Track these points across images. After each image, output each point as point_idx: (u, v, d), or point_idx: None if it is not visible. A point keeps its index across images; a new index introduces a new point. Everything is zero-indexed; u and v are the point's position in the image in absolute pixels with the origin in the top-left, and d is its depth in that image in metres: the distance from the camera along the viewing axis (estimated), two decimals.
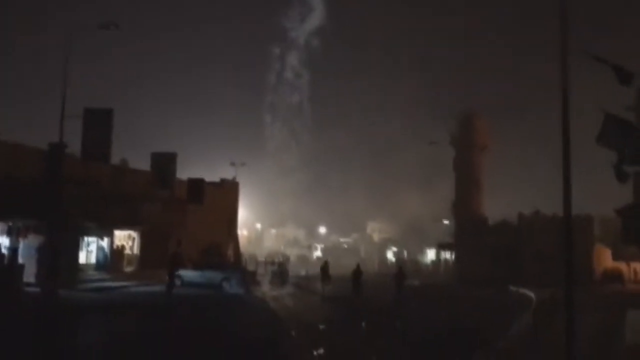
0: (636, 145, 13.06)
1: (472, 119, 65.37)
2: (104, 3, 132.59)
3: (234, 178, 56.03)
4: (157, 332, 18.93)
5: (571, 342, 13.95)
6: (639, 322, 16.42)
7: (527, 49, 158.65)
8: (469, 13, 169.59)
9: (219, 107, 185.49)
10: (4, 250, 30.89)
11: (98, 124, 33.44)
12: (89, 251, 38.77)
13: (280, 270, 45.62)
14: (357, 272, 33.69)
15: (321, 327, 21.34)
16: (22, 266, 29.97)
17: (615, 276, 55.19)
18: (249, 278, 37.88)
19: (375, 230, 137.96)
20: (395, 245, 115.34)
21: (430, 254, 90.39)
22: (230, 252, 51.75)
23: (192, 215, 44.82)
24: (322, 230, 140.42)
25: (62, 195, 32.51)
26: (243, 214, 76.60)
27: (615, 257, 59.97)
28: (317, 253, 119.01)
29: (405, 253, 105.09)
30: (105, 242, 39.82)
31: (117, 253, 40.83)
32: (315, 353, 15.68)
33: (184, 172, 45.00)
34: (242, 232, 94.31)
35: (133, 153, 69.81)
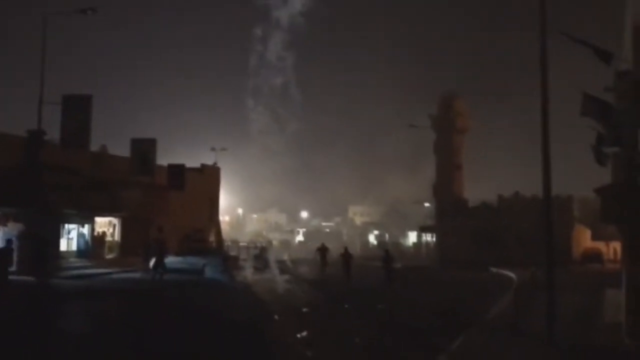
0: (614, 126, 13.18)
1: (452, 102, 65.53)
2: None
3: (215, 163, 55.90)
4: (147, 317, 18.95)
5: (552, 321, 14.16)
6: (617, 301, 16.63)
7: (510, 32, 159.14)
8: None
9: (200, 92, 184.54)
10: None
11: (77, 110, 33.22)
12: (70, 238, 38.55)
13: (261, 254, 45.65)
14: (347, 255, 33.67)
15: (304, 310, 21.40)
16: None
17: (594, 256, 55.81)
18: (231, 263, 37.91)
19: (357, 213, 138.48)
20: (377, 229, 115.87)
21: (412, 237, 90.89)
22: (212, 238, 51.70)
23: (173, 201, 44.69)
24: (304, 214, 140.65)
25: (42, 182, 32.31)
26: (225, 199, 76.50)
27: (595, 237, 60.68)
28: (299, 237, 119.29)
29: (387, 236, 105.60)
30: (86, 229, 39.62)
31: (98, 240, 40.64)
32: (298, 336, 15.74)
33: (165, 158, 44.88)
34: (224, 217, 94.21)
35: (113, 139, 69.40)
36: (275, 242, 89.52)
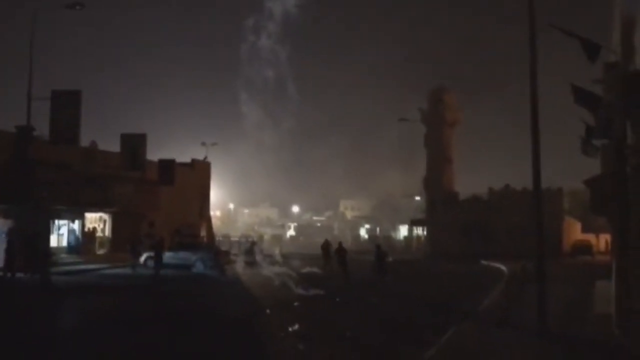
0: (603, 118, 13.23)
1: (441, 96, 65.55)
2: None
3: (205, 158, 55.80)
4: (139, 313, 18.94)
5: (543, 313, 14.23)
6: (607, 292, 16.72)
7: (501, 25, 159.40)
8: None
9: (191, 86, 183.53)
10: None
11: (66, 106, 33.09)
12: (60, 234, 38.48)
13: (251, 249, 45.61)
14: (341, 250, 33.49)
15: (295, 304, 21.42)
16: None
17: (584, 248, 56.05)
18: (222, 258, 37.86)
19: (348, 208, 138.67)
20: (368, 223, 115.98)
21: (403, 230, 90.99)
22: (203, 233, 51.66)
23: (163, 197, 44.62)
24: (296, 209, 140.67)
25: (32, 178, 32.20)
26: (216, 194, 76.42)
27: (585, 229, 60.95)
28: (291, 232, 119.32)
29: (378, 230, 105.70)
30: (76, 225, 39.55)
31: (88, 236, 40.58)
32: (290, 329, 15.76)
33: (155, 153, 44.80)
34: (215, 212, 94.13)
35: (103, 135, 69.12)
36: (266, 237, 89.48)
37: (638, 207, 10.25)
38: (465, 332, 15.31)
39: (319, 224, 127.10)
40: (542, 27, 14.67)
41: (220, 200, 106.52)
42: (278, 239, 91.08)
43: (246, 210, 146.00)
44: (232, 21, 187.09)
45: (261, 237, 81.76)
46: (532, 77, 14.48)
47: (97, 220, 42.01)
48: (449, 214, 62.65)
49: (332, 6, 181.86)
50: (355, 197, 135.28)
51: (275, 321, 17.63)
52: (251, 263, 39.81)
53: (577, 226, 64.12)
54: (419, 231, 74.54)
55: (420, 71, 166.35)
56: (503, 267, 37.36)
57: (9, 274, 26.54)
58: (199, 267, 34.36)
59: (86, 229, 40.39)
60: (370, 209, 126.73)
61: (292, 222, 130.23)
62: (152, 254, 36.16)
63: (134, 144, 39.77)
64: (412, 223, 76.45)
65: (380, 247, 32.96)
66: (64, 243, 38.69)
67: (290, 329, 15.79)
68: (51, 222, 36.51)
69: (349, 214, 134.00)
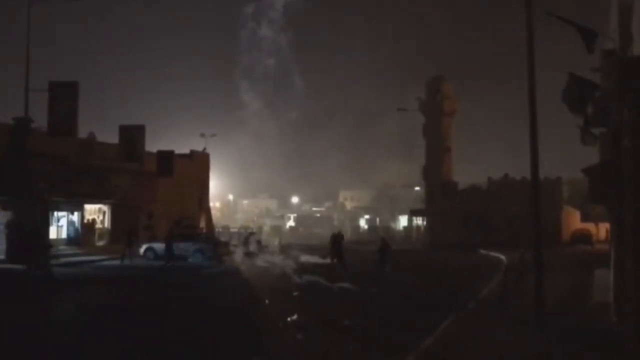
0: (601, 106, 13.19)
1: (439, 85, 65.42)
2: None
3: (204, 149, 55.75)
4: (139, 304, 18.98)
5: (540, 302, 14.23)
6: (606, 281, 16.72)
7: (501, 13, 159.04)
8: None
9: (190, 76, 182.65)
10: None
11: (64, 97, 33.03)
12: (59, 226, 38.46)
13: (249, 240, 45.60)
14: (338, 239, 33.15)
15: (295, 294, 21.45)
16: None
17: (583, 237, 56.07)
18: (221, 249, 37.88)
19: (347, 198, 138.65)
20: (367, 213, 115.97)
21: (403, 221, 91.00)
22: (202, 224, 51.67)
23: (162, 188, 44.59)
24: (295, 200, 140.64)
25: (30, 170, 32.16)
26: (215, 185, 76.35)
27: (584, 218, 60.91)
28: (290, 223, 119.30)
29: (377, 220, 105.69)
30: (75, 217, 39.52)
31: (88, 227, 40.56)
32: (289, 320, 15.77)
33: (155, 144, 44.76)
34: (215, 203, 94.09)
35: (101, 126, 68.87)
36: (266, 228, 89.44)
37: (632, 195, 10.21)
38: (462, 321, 15.32)
39: (318, 215, 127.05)
40: (540, 16, 14.62)
41: (220, 191, 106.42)
42: (277, 229, 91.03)
43: (245, 201, 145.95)
44: (231, 9, 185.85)
45: (259, 228, 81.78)
46: (530, 66, 14.44)
47: (96, 212, 41.98)
48: (448, 204, 62.67)
49: None
50: (354, 188, 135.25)
51: (273, 311, 17.65)
52: (249, 254, 39.83)
53: (577, 215, 64.09)
54: (419, 221, 74.55)
55: (419, 61, 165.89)
56: (502, 257, 37.39)
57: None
58: (196, 258, 34.39)
59: (85, 221, 40.36)
60: (369, 199, 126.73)
61: (292, 213, 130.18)
62: (151, 245, 36.25)
63: (133, 135, 39.70)
64: (412, 213, 76.47)
65: (385, 239, 32.82)
66: (64, 235, 38.68)
67: (288, 319, 15.80)
68: (50, 213, 36.48)
69: (349, 205, 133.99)
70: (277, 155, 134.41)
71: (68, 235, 38.99)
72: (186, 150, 52.57)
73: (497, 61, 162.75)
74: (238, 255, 39.13)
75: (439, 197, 63.78)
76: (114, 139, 40.39)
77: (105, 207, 42.17)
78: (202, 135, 57.30)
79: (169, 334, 14.04)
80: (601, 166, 14.19)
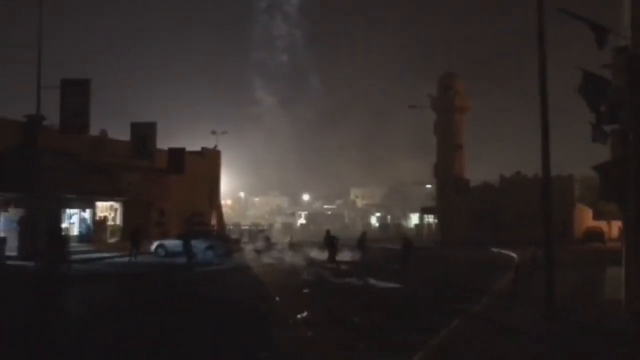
0: (612, 103, 13.12)
1: (451, 82, 65.18)
2: None
3: (216, 147, 55.80)
4: (152, 301, 19.08)
5: (551, 297, 14.19)
6: (618, 278, 16.65)
7: (514, 11, 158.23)
8: None
9: (202, 73, 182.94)
10: None
11: (76, 95, 33.23)
12: (72, 223, 38.62)
13: (259, 237, 45.65)
14: (330, 238, 33.18)
15: (305, 291, 21.49)
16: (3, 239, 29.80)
17: (596, 235, 55.70)
18: (232, 246, 37.97)
19: (359, 196, 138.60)
20: (379, 211, 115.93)
21: (415, 219, 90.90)
22: (213, 222, 51.76)
23: (174, 185, 44.69)
24: (306, 197, 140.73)
25: (42, 167, 32.32)
26: (227, 182, 76.46)
27: (597, 216, 60.57)
28: (302, 221, 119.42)
29: (389, 218, 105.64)
30: (87, 214, 39.68)
31: (100, 224, 40.70)
32: (299, 317, 15.80)
33: (166, 141, 44.82)
34: (226, 201, 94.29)
35: (113, 123, 69.22)
36: (277, 226, 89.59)
37: (636, 193, 10.17)
38: (472, 318, 15.30)
39: (329, 213, 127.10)
40: (553, 13, 14.55)
41: (231, 188, 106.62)
42: (289, 227, 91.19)
43: (257, 199, 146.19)
44: (244, 4, 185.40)
45: (270, 225, 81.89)
46: (542, 63, 14.38)
47: (108, 209, 42.13)
48: (460, 201, 62.51)
49: None
50: (366, 186, 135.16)
51: (283, 309, 17.68)
52: (260, 251, 39.89)
53: (589, 213, 63.76)
54: (430, 219, 74.37)
55: (432, 59, 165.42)
56: (514, 255, 37.24)
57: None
58: (207, 255, 34.36)
59: (97, 218, 40.53)
60: (381, 197, 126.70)
61: (303, 210, 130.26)
62: (162, 242, 36.38)
63: (144, 132, 39.88)
64: (423, 211, 76.33)
65: (407, 238, 32.80)
66: (76, 232, 38.84)
67: (298, 316, 15.83)
68: (62, 211, 36.65)
69: (360, 203, 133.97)
70: (289, 153, 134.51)
71: (80, 232, 39.14)
72: (198, 148, 52.64)
73: (509, 59, 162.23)
74: (248, 252, 39.21)
75: (451, 194, 63.61)
76: (125, 136, 40.57)
77: (117, 205, 42.31)
78: (214, 132, 57.35)
79: (180, 329, 14.11)
80: (612, 163, 14.12)
